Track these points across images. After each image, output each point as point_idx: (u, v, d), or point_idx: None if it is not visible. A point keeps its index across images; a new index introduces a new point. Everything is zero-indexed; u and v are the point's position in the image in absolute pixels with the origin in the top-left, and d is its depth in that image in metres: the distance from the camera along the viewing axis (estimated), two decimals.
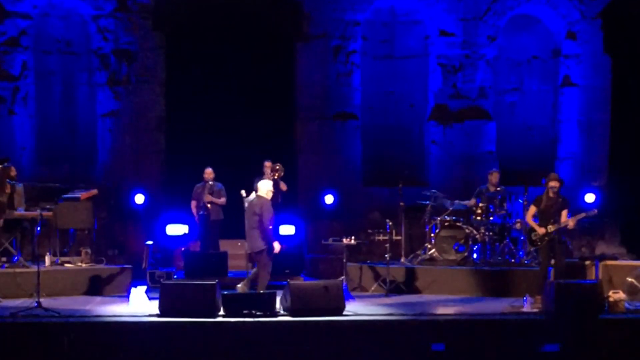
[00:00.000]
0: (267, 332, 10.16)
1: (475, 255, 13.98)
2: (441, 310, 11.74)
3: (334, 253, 14.37)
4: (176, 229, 14.32)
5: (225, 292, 10.73)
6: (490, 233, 13.97)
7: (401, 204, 14.33)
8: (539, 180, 14.01)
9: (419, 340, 10.26)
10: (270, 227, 11.51)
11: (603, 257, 13.81)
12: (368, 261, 14.16)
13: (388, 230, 13.49)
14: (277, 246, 11.55)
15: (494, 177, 14.37)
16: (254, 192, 12.03)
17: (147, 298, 11.42)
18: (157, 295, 10.75)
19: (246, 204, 11.69)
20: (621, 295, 11.22)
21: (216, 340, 10.05)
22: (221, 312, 10.56)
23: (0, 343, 9.80)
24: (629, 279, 12.22)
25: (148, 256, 13.08)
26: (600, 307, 10.90)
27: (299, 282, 11.30)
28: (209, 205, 14.19)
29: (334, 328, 10.24)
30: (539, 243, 11.92)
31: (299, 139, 16.08)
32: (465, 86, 16.20)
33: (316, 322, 10.31)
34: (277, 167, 12.91)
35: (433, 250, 14.03)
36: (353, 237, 12.98)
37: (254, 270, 11.87)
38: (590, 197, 15.07)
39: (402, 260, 14.20)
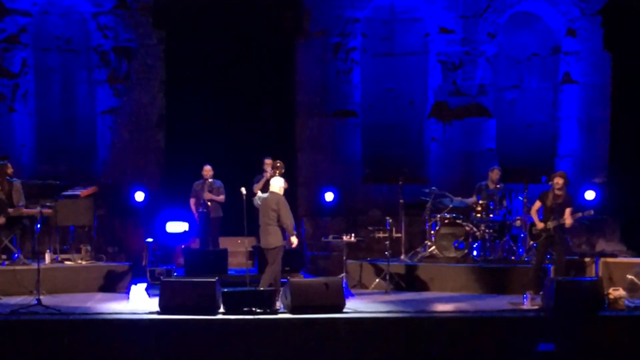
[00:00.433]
0: (267, 329, 10.17)
1: (475, 253, 13.98)
2: (441, 307, 11.74)
3: (334, 250, 14.39)
4: (176, 227, 14.31)
5: (225, 290, 10.72)
6: (490, 230, 13.97)
7: (401, 201, 14.32)
8: (538, 178, 14.06)
9: (419, 338, 10.26)
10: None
11: (603, 254, 13.82)
12: (368, 258, 14.17)
13: (388, 228, 13.50)
14: (294, 240, 11.56)
15: (495, 174, 14.37)
16: (260, 193, 12.04)
17: (147, 295, 11.42)
18: (157, 292, 10.76)
19: (259, 202, 11.70)
20: (621, 292, 11.22)
21: (216, 338, 10.06)
22: (221, 310, 10.57)
23: (1, 340, 9.80)
24: (629, 276, 12.24)
25: (148, 253, 13.08)
26: (600, 305, 10.91)
27: (299, 279, 11.30)
28: (208, 203, 14.19)
29: (334, 325, 10.24)
30: (537, 238, 11.98)
31: (299, 136, 16.08)
32: (465, 83, 16.19)
33: (316, 320, 10.31)
34: (278, 165, 12.89)
35: (433, 247, 14.03)
36: (353, 235, 12.99)
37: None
38: (590, 195, 15.08)
39: (402, 257, 14.19)
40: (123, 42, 15.56)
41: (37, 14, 15.49)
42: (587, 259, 13.62)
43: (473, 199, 14.23)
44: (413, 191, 14.73)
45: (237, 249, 13.71)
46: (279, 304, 10.84)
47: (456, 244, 13.94)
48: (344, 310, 10.74)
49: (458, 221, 14.03)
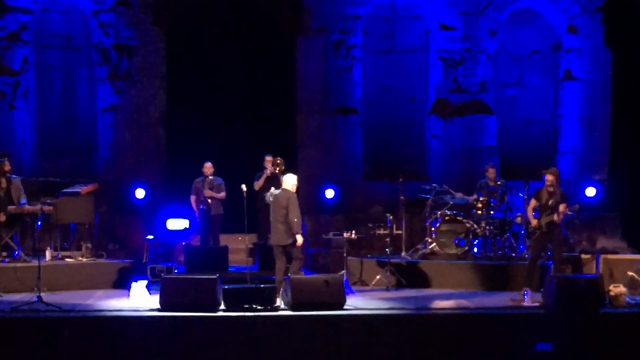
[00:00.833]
0: (267, 326, 10.17)
1: (475, 250, 13.98)
2: (442, 304, 11.75)
3: (334, 247, 14.38)
4: (177, 224, 14.30)
5: (226, 287, 10.73)
6: (491, 227, 13.96)
7: (402, 198, 14.32)
8: (539, 174, 14.02)
9: (420, 335, 10.26)
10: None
11: (604, 251, 13.84)
12: (369, 255, 14.16)
13: (389, 225, 13.50)
14: (300, 239, 11.55)
15: (490, 172, 14.38)
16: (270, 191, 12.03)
17: (147, 292, 11.42)
18: (157, 289, 10.79)
19: (271, 198, 11.70)
20: (622, 289, 11.22)
21: (217, 335, 10.05)
22: (222, 307, 10.56)
23: (1, 337, 9.81)
24: (630, 273, 12.24)
25: (149, 250, 13.09)
26: (600, 301, 10.90)
27: (300, 276, 11.30)
28: (209, 200, 14.18)
29: (335, 322, 10.24)
30: (533, 235, 12.01)
31: (300, 133, 16.07)
32: (466, 80, 16.18)
33: (317, 317, 10.31)
34: (278, 162, 12.92)
35: (434, 244, 14.03)
36: (354, 231, 12.99)
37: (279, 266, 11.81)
38: (590, 191, 15.09)
39: (403, 254, 14.19)
40: (123, 40, 15.56)
41: (37, 11, 15.48)
42: (587, 256, 13.64)
43: (474, 196, 14.23)
44: (413, 188, 14.73)
45: (237, 246, 13.72)
46: (279, 301, 10.84)
47: (457, 241, 13.94)
48: (345, 307, 10.74)
49: (459, 218, 14.04)
